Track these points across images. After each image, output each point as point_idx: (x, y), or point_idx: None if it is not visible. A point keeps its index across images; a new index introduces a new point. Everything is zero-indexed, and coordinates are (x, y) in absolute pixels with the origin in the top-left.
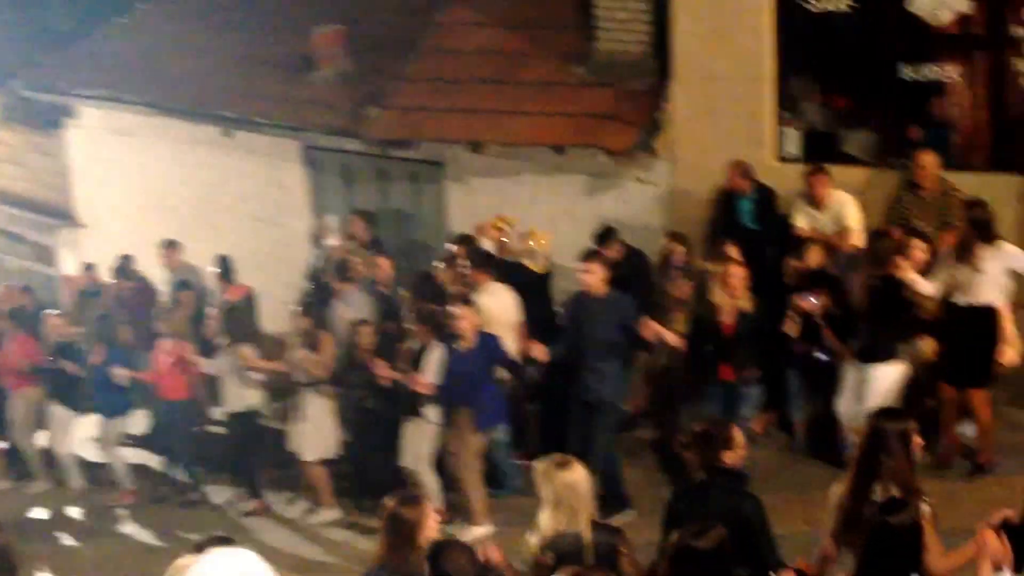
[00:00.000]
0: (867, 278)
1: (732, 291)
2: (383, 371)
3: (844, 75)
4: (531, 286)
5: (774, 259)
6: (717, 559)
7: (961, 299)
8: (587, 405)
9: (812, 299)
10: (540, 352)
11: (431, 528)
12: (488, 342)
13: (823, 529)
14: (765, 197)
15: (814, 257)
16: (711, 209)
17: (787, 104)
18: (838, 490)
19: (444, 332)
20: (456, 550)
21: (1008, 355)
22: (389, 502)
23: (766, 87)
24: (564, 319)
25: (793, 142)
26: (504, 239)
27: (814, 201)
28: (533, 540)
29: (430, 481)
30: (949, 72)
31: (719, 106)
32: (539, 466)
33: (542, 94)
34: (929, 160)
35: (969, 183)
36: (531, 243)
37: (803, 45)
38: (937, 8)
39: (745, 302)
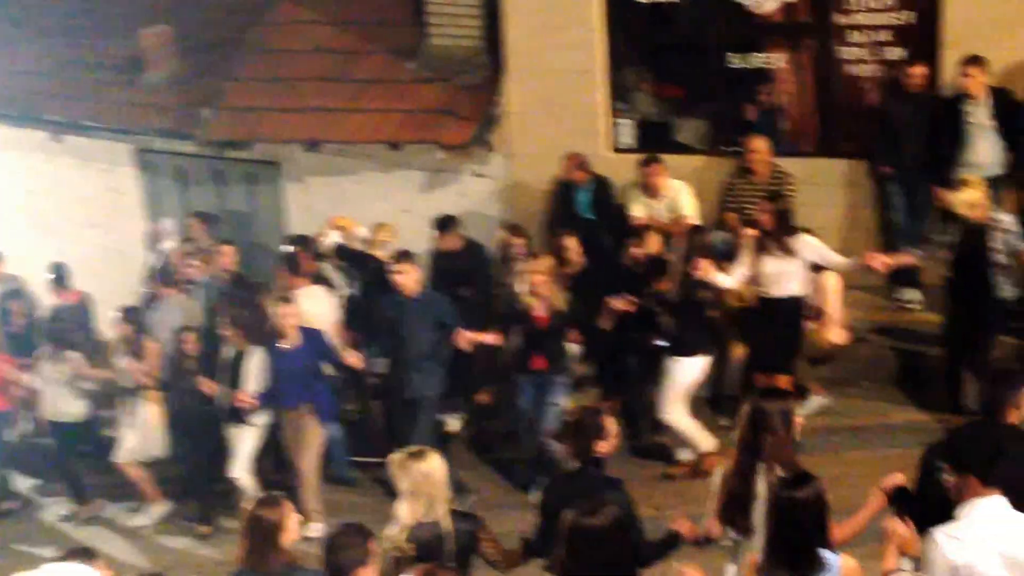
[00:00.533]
0: (678, 274)
1: (543, 284)
2: (207, 386)
3: (675, 65)
4: (381, 277)
5: (611, 248)
6: (613, 535)
7: (765, 290)
8: (410, 403)
9: (626, 298)
10: (355, 360)
11: (293, 529)
12: (313, 339)
13: (708, 508)
14: (601, 188)
15: (651, 245)
16: (548, 201)
17: (620, 95)
18: (720, 471)
19: (261, 335)
20: (350, 538)
21: (836, 335)
22: (248, 505)
23: (599, 79)
24: (381, 320)
25: (627, 133)
26: (351, 233)
27: (649, 190)
28: (392, 532)
29: (250, 484)
30: (776, 60)
31: (553, 99)
32: (395, 458)
33: (376, 91)
34: (760, 146)
35: (798, 168)
36: (381, 235)
37: (634, 36)
38: None
39: (556, 295)
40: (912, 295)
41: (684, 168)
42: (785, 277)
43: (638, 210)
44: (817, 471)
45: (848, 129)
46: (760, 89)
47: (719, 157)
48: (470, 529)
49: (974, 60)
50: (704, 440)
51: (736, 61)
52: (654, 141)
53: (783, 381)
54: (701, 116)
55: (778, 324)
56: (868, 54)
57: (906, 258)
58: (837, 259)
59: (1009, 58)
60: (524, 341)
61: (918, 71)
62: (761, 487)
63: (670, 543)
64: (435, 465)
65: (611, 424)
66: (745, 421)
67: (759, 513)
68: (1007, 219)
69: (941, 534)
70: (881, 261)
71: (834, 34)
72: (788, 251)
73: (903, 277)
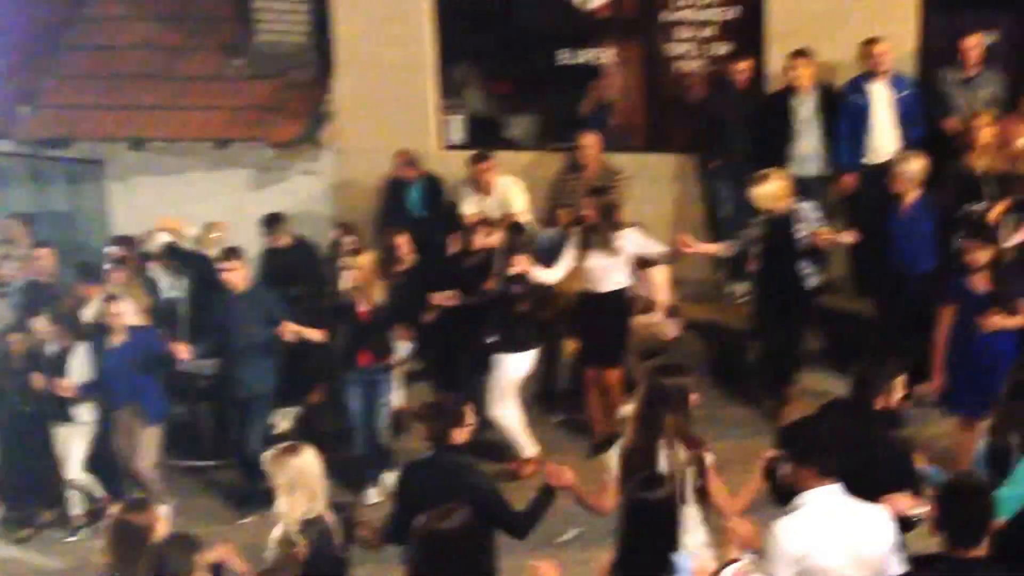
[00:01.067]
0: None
1: (363, 279)
2: (37, 381)
3: (505, 61)
4: (212, 276)
5: (443, 246)
6: (465, 538)
7: (591, 284)
8: (242, 401)
9: (450, 292)
10: (183, 352)
11: (160, 533)
12: (141, 336)
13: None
14: (432, 185)
15: (482, 241)
16: (379, 198)
17: (451, 91)
18: (618, 448)
19: (84, 332)
20: (178, 547)
21: (666, 329)
22: (114, 509)
23: (429, 75)
24: (210, 319)
25: (458, 129)
26: (180, 233)
27: (480, 187)
28: (279, 532)
29: (86, 482)
30: (605, 56)
31: (383, 95)
32: (269, 455)
33: (202, 88)
34: (590, 141)
35: (628, 163)
36: (212, 234)
37: (463, 33)
38: None
39: (378, 289)
40: (741, 288)
41: (515, 164)
42: (610, 271)
43: (469, 207)
44: (565, 467)
45: (677, 124)
46: (590, 85)
47: (550, 153)
48: (347, 517)
49: (800, 53)
50: (528, 445)
51: (566, 57)
52: (485, 137)
53: (613, 375)
54: (532, 112)
55: (606, 318)
56: (695, 50)
57: (713, 247)
58: (660, 249)
59: (832, 53)
60: (349, 337)
61: (744, 66)
62: (663, 463)
63: (545, 500)
64: (309, 459)
65: (470, 414)
66: (642, 398)
67: None
68: (808, 207)
69: (778, 526)
70: (686, 243)
71: (661, 30)
72: (612, 245)
73: (735, 270)
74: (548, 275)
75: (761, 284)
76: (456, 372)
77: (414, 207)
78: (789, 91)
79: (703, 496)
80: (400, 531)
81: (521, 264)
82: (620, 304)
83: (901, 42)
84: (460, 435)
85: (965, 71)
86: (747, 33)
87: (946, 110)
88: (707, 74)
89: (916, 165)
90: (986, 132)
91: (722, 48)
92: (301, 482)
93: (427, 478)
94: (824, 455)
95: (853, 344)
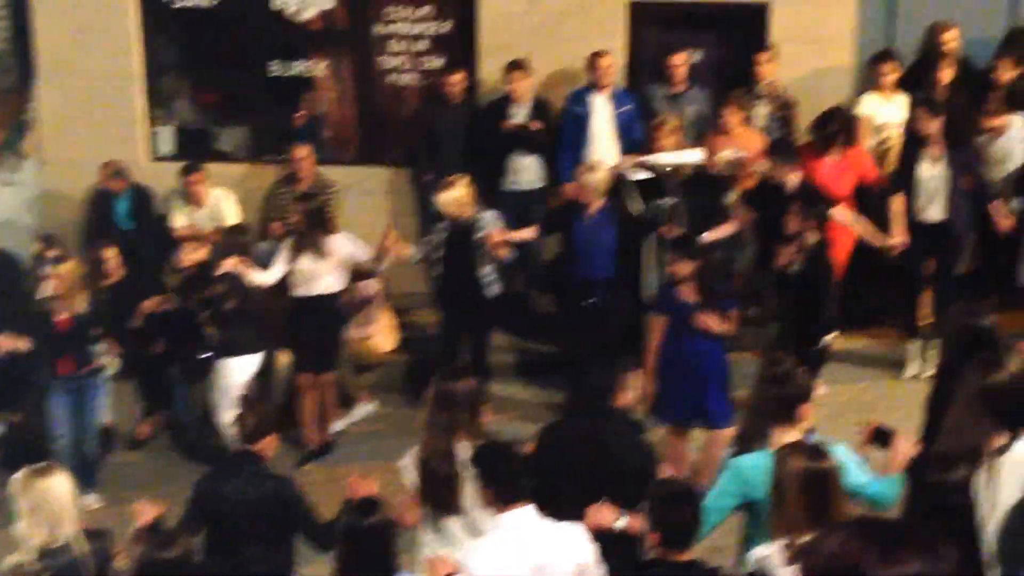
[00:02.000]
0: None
1: (61, 287)
2: None
3: (216, 72)
4: None
5: (151, 259)
6: (179, 569)
7: (303, 289)
8: None
9: (158, 299)
10: None
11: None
12: None
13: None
14: (140, 197)
15: (192, 255)
16: (85, 210)
17: (159, 102)
18: (413, 454)
19: None
20: None
21: (382, 342)
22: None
23: (136, 85)
24: None
25: (167, 140)
26: None
27: (191, 199)
28: (15, 559)
29: None
30: (317, 68)
31: (89, 105)
32: (16, 477)
33: None
34: (303, 153)
35: (342, 175)
36: None
37: (173, 42)
38: (301, 5)
39: (79, 298)
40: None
41: (227, 176)
42: (321, 274)
43: (179, 219)
44: (370, 478)
45: (391, 137)
46: (303, 97)
47: (263, 165)
48: (104, 547)
49: (516, 65)
50: None
51: (278, 69)
52: (195, 149)
53: (328, 379)
54: (244, 124)
55: (318, 322)
56: (409, 63)
57: (407, 250)
58: (368, 253)
59: (547, 67)
60: (49, 346)
61: (457, 79)
62: (460, 466)
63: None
64: (58, 483)
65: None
66: (432, 402)
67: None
68: (491, 215)
69: (467, 551)
70: (387, 241)
71: (374, 43)
72: (322, 250)
73: None
74: (262, 277)
75: (442, 290)
76: (166, 387)
77: (121, 220)
78: (505, 102)
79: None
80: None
81: (231, 263)
82: (332, 308)
83: (614, 57)
84: (270, 444)
85: (673, 87)
86: (460, 46)
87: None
88: (421, 87)
89: (600, 175)
90: (668, 138)
91: (436, 61)
92: (45, 507)
93: (226, 487)
94: (511, 480)
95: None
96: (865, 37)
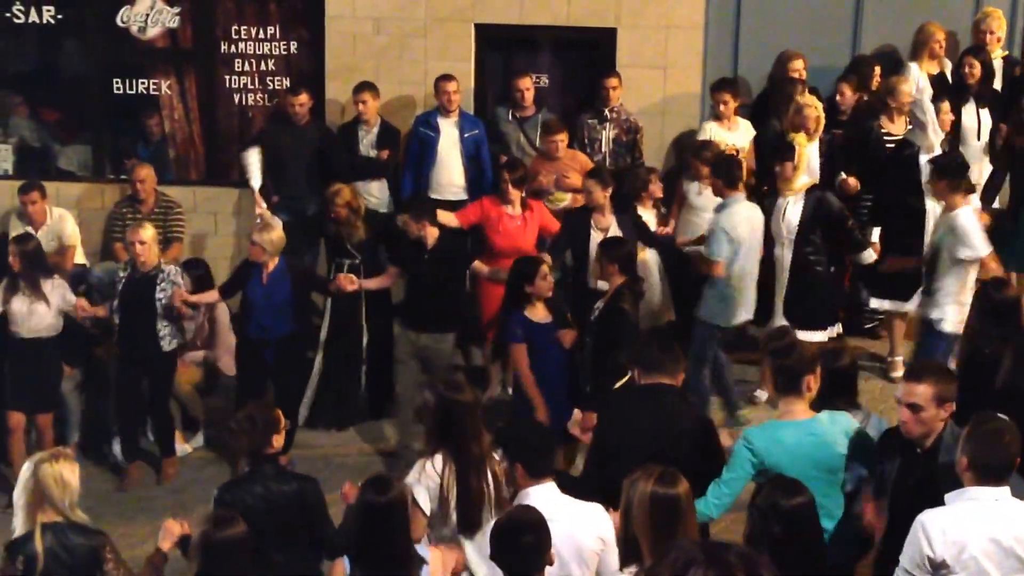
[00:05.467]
0: None
1: None
2: None
3: (56, 89)
4: None
5: None
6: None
7: (19, 330)
8: None
9: None
10: None
11: None
12: None
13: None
14: None
15: None
16: None
17: None
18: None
19: None
20: None
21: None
22: None
23: None
24: None
25: (5, 158)
26: None
27: (29, 218)
28: None
29: None
30: (163, 87)
31: None
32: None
33: None
34: (146, 173)
35: (187, 196)
36: None
37: (10, 57)
38: (145, 22)
39: None
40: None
41: (68, 195)
42: (35, 316)
43: None
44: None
45: (235, 157)
46: (146, 116)
47: (105, 184)
48: (92, 544)
49: (366, 86)
50: None
51: (121, 87)
52: (34, 167)
53: (43, 421)
54: (85, 142)
55: (32, 365)
56: (255, 82)
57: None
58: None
59: (392, 90)
60: None
61: (302, 99)
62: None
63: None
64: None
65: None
66: (433, 415)
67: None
68: (174, 269)
69: (489, 528)
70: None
71: (220, 62)
72: (38, 292)
73: None
74: None
75: (121, 338)
76: None
77: None
78: (355, 125)
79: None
80: None
81: None
82: (49, 351)
83: (461, 81)
84: (278, 441)
85: (520, 111)
86: (307, 67)
87: (503, 148)
88: (266, 107)
89: (275, 235)
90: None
91: (282, 81)
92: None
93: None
94: (540, 455)
95: None
96: (712, 64)
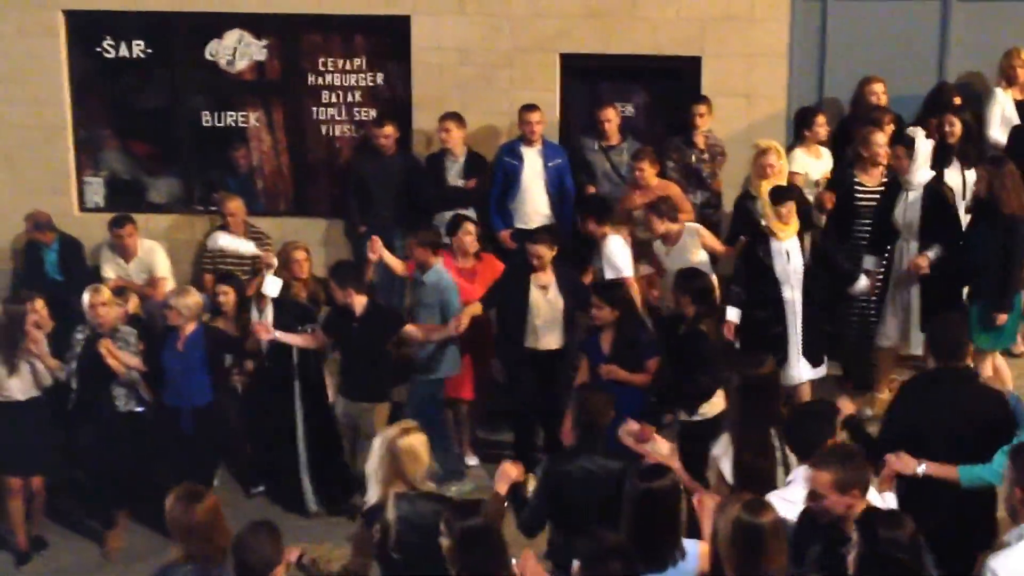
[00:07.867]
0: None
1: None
2: None
3: (147, 123)
4: None
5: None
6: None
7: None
8: None
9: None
10: None
11: None
12: None
13: None
14: (68, 248)
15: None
16: (14, 261)
17: (89, 153)
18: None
19: None
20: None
21: None
22: None
23: (65, 135)
24: None
25: (96, 192)
26: None
27: (120, 251)
28: None
29: None
30: (251, 119)
31: (17, 155)
32: None
33: None
34: (236, 205)
35: (275, 227)
36: None
37: (103, 93)
38: (233, 56)
39: None
40: None
41: (158, 228)
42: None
43: (109, 271)
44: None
45: (323, 188)
46: (235, 148)
47: (195, 216)
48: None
49: (451, 116)
50: None
51: (210, 120)
52: (125, 200)
53: (37, 483)
54: (175, 175)
55: (22, 426)
56: (341, 114)
57: None
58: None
59: (480, 119)
60: None
61: (388, 130)
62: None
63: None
64: None
65: None
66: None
67: None
68: (129, 330)
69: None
70: None
71: (307, 94)
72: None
73: None
74: None
75: (78, 402)
76: None
77: (51, 270)
78: (442, 156)
79: None
80: None
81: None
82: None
83: (546, 110)
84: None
85: (606, 140)
86: (393, 98)
87: (590, 177)
88: (353, 138)
89: (192, 300)
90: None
91: (368, 113)
92: None
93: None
94: (820, 438)
95: None
96: (796, 91)
